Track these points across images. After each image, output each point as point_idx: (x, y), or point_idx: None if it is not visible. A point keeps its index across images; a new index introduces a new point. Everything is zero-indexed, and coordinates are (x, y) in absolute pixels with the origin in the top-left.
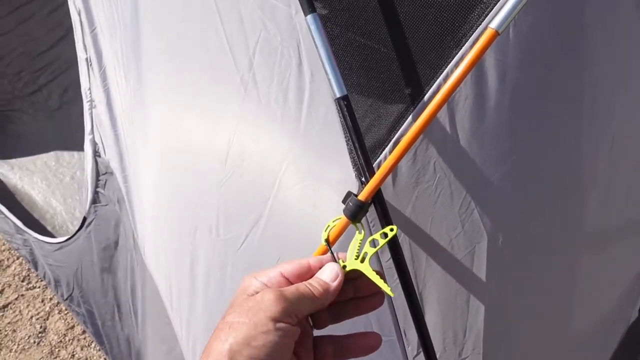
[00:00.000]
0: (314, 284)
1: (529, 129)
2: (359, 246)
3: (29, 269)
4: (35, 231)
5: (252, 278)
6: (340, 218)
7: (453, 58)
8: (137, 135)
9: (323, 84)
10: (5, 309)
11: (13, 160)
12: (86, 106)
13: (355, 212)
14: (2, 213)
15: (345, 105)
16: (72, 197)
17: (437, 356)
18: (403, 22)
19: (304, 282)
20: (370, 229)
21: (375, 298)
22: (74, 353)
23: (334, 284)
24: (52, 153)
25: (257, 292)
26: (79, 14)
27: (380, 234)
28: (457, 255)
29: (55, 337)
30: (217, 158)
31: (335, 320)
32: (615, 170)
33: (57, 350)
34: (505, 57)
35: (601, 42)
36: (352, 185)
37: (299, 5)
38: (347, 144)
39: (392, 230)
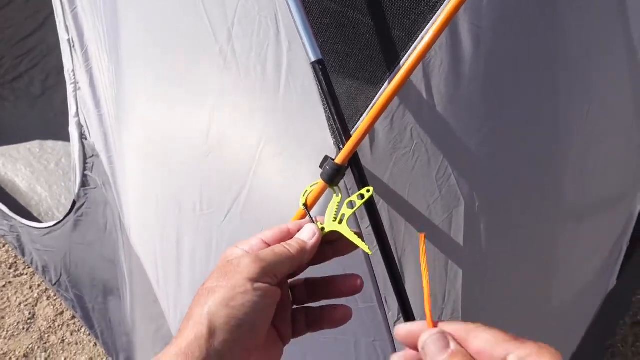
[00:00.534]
0: (291, 243)
1: (505, 95)
2: (336, 208)
3: (16, 256)
4: (22, 217)
5: (234, 247)
6: (317, 183)
7: (428, 22)
8: (121, 114)
9: (300, 53)
10: None
11: None
12: (70, 88)
13: (332, 176)
14: None
15: (320, 69)
16: (57, 184)
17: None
18: None
19: (280, 243)
20: (349, 195)
21: (350, 282)
22: (64, 338)
23: (311, 242)
24: (35, 140)
25: (234, 259)
26: None
27: (357, 195)
28: (434, 220)
29: (45, 323)
30: (199, 133)
31: (311, 299)
32: (591, 139)
33: (46, 335)
34: (480, 21)
35: (577, 10)
36: (331, 153)
37: None
38: (325, 112)
39: (368, 191)
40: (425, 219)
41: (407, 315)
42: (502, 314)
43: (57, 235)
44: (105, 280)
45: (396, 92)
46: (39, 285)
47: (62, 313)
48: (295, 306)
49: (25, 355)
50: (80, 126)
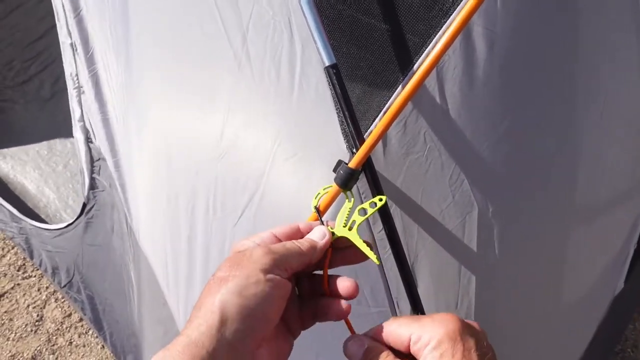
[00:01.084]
0: (302, 241)
1: (518, 99)
2: (347, 214)
3: (24, 259)
4: (31, 219)
5: (245, 240)
6: (331, 186)
7: (441, 27)
8: (130, 117)
9: (314, 57)
10: (2, 298)
11: (5, 150)
12: (73, 93)
13: (346, 180)
14: None
15: (334, 73)
16: (65, 186)
17: None
18: None
19: (292, 240)
20: (361, 200)
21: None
22: (72, 340)
23: (321, 242)
24: (44, 142)
25: (247, 250)
26: None
27: (369, 203)
28: (448, 225)
29: (52, 325)
30: (212, 136)
31: (313, 295)
32: (604, 141)
33: (54, 338)
34: (494, 25)
35: (590, 12)
36: (344, 157)
37: None
38: (338, 116)
39: (380, 200)
40: (438, 224)
41: None
42: (512, 317)
43: (69, 237)
44: (115, 281)
45: (410, 97)
46: (47, 288)
47: (70, 315)
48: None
49: (33, 357)
50: (85, 130)
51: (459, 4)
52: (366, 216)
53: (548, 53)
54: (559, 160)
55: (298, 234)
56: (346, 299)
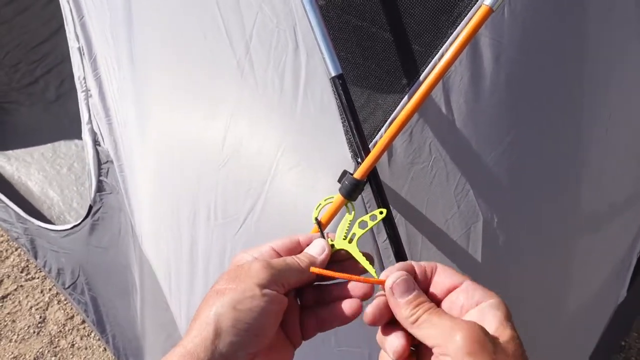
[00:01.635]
0: (301, 257)
1: (524, 110)
2: (347, 227)
3: (27, 260)
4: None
5: (244, 253)
6: (332, 197)
7: (448, 37)
8: (132, 123)
9: (319, 66)
10: (5, 300)
11: (10, 152)
12: (81, 96)
13: (351, 191)
14: (2, 202)
15: (340, 83)
16: (69, 188)
17: None
18: (398, 3)
19: (290, 255)
20: (365, 209)
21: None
22: (74, 342)
23: (320, 257)
24: (49, 144)
25: (245, 264)
26: (68, 2)
27: (370, 216)
28: (452, 236)
29: (55, 327)
30: (215, 143)
31: (318, 303)
32: (608, 153)
33: (56, 339)
34: (501, 36)
35: (597, 24)
36: (349, 166)
37: None
38: (343, 125)
39: (381, 213)
40: (443, 234)
41: None
42: (517, 323)
43: (75, 238)
44: (119, 284)
45: (416, 108)
46: (50, 290)
47: (72, 317)
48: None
49: (35, 359)
50: (93, 133)
51: (466, 15)
52: (366, 229)
53: (554, 64)
54: (563, 171)
55: (298, 247)
56: (361, 298)
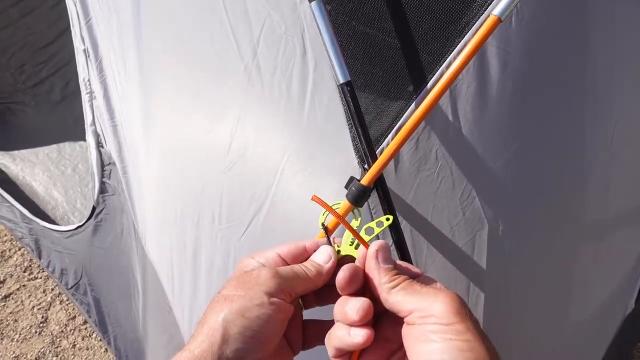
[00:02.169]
0: (308, 266)
1: (531, 118)
2: None
3: (30, 260)
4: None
5: (250, 258)
6: (339, 203)
7: (456, 46)
8: (136, 126)
9: (326, 73)
10: (7, 299)
11: (15, 152)
12: (85, 97)
13: (358, 197)
14: (8, 202)
15: (348, 91)
16: (73, 189)
17: None
18: (406, 11)
19: (298, 264)
20: (371, 216)
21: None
22: (75, 343)
23: (327, 266)
24: (54, 145)
25: (254, 270)
26: (75, 5)
27: (376, 222)
28: (458, 243)
29: (57, 327)
30: (220, 147)
31: (320, 302)
32: (614, 161)
33: (58, 340)
34: (508, 45)
35: (603, 33)
36: (355, 172)
37: None
38: (350, 132)
39: (388, 219)
40: (448, 241)
41: None
42: (521, 335)
43: (79, 239)
44: (121, 285)
45: (424, 116)
46: (52, 289)
47: (74, 318)
48: (305, 312)
49: (36, 359)
50: (97, 135)
51: (474, 24)
52: (372, 235)
53: (561, 74)
54: (569, 179)
55: (304, 253)
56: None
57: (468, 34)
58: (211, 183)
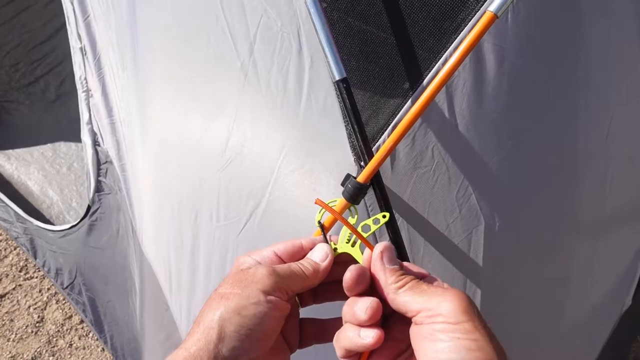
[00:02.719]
0: (305, 264)
1: (527, 114)
2: (350, 231)
3: (26, 259)
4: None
5: (247, 256)
6: (335, 200)
7: (452, 43)
8: (135, 123)
9: (322, 69)
10: (3, 299)
11: (10, 151)
12: (82, 96)
13: (354, 194)
14: (2, 201)
15: (344, 87)
16: (68, 188)
17: None
18: (402, 8)
19: (295, 262)
20: (368, 213)
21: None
22: (72, 342)
23: (324, 264)
24: (49, 144)
25: (250, 268)
26: (72, 2)
27: (373, 220)
28: (454, 240)
29: (53, 327)
30: (217, 144)
31: (316, 300)
32: (610, 158)
33: (54, 339)
34: (504, 42)
35: (598, 30)
36: (351, 170)
37: None
38: (347, 129)
39: (384, 217)
40: (444, 238)
41: None
42: (517, 332)
43: (73, 238)
44: (117, 284)
45: (420, 113)
46: (48, 289)
47: (70, 317)
48: (301, 310)
49: (33, 359)
50: (93, 133)
51: (470, 21)
52: (369, 233)
53: (557, 70)
54: (565, 176)
55: (301, 251)
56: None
57: (464, 30)
58: (208, 181)
